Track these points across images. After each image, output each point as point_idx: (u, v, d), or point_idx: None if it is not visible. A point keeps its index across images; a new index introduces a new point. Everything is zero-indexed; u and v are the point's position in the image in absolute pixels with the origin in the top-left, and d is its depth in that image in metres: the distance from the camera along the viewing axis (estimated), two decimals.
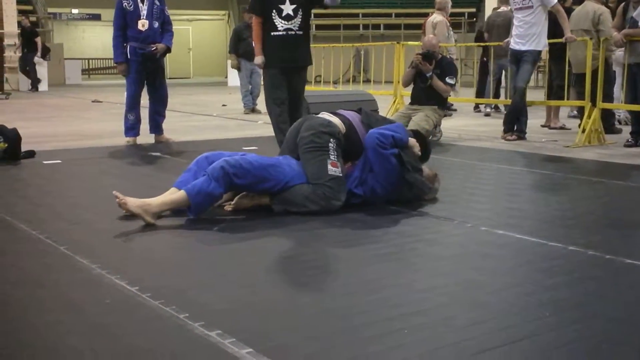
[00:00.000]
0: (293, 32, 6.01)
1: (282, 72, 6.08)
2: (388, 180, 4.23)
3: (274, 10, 5.97)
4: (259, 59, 6.16)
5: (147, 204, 3.89)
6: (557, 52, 8.57)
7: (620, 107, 8.91)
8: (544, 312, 2.57)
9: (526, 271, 3.12)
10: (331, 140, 4.24)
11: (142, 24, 7.31)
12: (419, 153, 4.44)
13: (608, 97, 8.17)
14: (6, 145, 6.16)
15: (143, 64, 7.38)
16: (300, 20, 6.01)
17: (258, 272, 3.10)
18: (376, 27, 28.01)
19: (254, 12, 6.20)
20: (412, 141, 4.43)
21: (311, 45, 6.65)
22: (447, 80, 7.67)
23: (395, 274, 3.02)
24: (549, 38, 8.04)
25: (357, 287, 2.82)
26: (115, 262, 3.13)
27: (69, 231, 3.72)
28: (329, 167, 4.16)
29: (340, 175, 4.20)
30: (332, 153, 4.21)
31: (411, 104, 7.92)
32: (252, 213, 4.08)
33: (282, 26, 5.99)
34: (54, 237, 3.54)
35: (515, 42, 8.04)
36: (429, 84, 7.63)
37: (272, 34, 6.03)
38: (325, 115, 4.44)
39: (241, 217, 4.02)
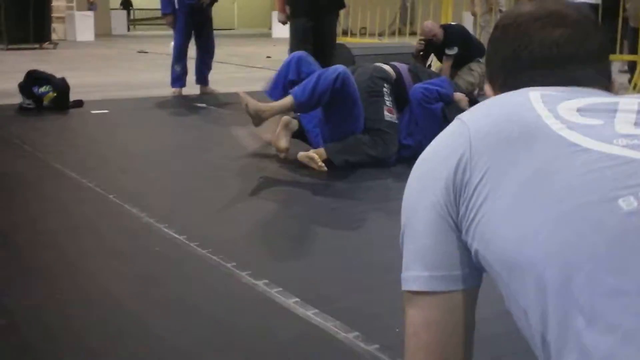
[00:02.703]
0: None
1: (308, 21, 6.01)
2: (435, 135, 4.19)
3: None
4: (280, 16, 6.37)
5: (261, 109, 3.93)
6: (611, 6, 8.33)
7: None
8: None
9: None
10: (385, 85, 4.24)
11: None
12: (467, 107, 4.38)
13: None
14: (55, 94, 6.24)
15: (190, 15, 7.36)
16: None
17: (302, 224, 3.12)
18: None
19: None
20: (459, 95, 4.38)
21: None
22: (446, 52, 7.35)
23: None
24: None
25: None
26: (163, 211, 3.17)
27: (118, 179, 3.78)
28: (385, 112, 4.15)
29: (396, 121, 4.18)
30: (387, 98, 4.21)
31: None
32: (298, 167, 4.09)
33: None
34: (103, 185, 3.59)
35: None
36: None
37: None
38: (376, 64, 4.43)
39: (286, 172, 4.02)
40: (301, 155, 3.96)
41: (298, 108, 4.02)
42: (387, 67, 4.39)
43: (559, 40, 1.02)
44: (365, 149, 4.07)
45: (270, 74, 6.18)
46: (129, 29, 28.18)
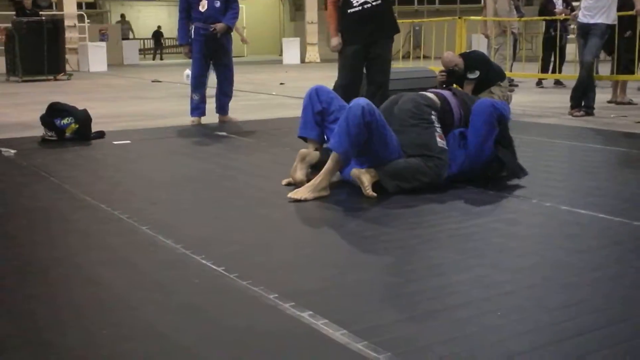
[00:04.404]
0: (370, 4, 5.74)
1: (360, 48, 5.82)
2: (481, 153, 4.19)
3: None
4: (334, 41, 5.96)
5: (318, 184, 3.94)
6: (626, 25, 8.33)
7: None
8: (637, 294, 2.51)
9: (613, 252, 3.04)
10: (433, 112, 4.23)
11: (202, 5, 7.32)
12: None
13: None
14: (77, 126, 6.27)
15: (205, 44, 7.42)
16: None
17: (340, 252, 3.09)
18: (431, 1, 27.69)
19: None
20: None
21: None
22: (468, 76, 7.37)
23: (480, 254, 2.98)
24: (618, 10, 7.83)
25: (444, 268, 2.80)
26: (198, 242, 3.15)
27: (148, 211, 3.77)
28: (437, 139, 4.15)
29: (447, 148, 4.18)
30: (437, 125, 4.20)
31: None
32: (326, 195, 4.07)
33: (357, 1, 5.75)
34: (135, 217, 3.59)
35: (584, 15, 7.85)
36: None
37: (348, 11, 5.81)
38: (420, 92, 4.45)
39: (317, 200, 4.00)
40: (354, 171, 3.99)
41: (345, 158, 3.98)
42: (431, 95, 4.39)
43: None
44: (419, 176, 4.06)
45: (286, 101, 6.20)
46: (161, 58, 28.60)
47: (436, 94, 4.44)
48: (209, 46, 7.44)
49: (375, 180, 4.00)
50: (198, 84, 7.52)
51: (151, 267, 2.89)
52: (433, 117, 4.21)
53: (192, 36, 7.42)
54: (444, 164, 4.12)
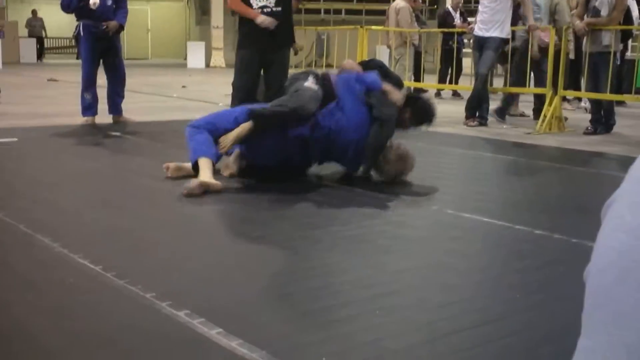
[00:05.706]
0: (269, 9, 5.66)
1: (255, 55, 5.76)
2: (358, 119, 4.34)
3: None
4: (261, 19, 5.67)
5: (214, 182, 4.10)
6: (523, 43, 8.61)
7: (580, 95, 9.01)
8: (514, 294, 2.57)
9: (494, 254, 3.12)
10: (309, 74, 4.54)
11: (93, 2, 7.07)
12: (398, 97, 4.47)
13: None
14: None
15: (96, 42, 7.18)
16: None
17: (222, 252, 3.04)
18: (338, 12, 27.99)
19: None
20: (388, 87, 4.50)
21: None
22: None
23: (365, 256, 2.99)
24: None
25: (328, 269, 2.79)
26: (76, 240, 3.04)
27: (28, 209, 3.61)
28: (304, 83, 4.39)
29: (316, 88, 4.38)
30: (311, 78, 4.47)
31: None
32: (215, 196, 4.01)
33: (256, 4, 5.66)
34: (12, 215, 3.43)
35: (479, 28, 8.07)
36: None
37: None
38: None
39: (204, 199, 3.94)
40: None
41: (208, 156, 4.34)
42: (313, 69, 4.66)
43: None
44: (279, 104, 4.32)
45: (186, 104, 6.08)
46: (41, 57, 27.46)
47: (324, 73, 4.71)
48: (99, 45, 7.21)
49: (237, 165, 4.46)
50: (89, 82, 7.25)
51: (26, 266, 2.77)
52: (309, 76, 4.51)
53: (82, 34, 7.18)
54: (302, 92, 4.31)
